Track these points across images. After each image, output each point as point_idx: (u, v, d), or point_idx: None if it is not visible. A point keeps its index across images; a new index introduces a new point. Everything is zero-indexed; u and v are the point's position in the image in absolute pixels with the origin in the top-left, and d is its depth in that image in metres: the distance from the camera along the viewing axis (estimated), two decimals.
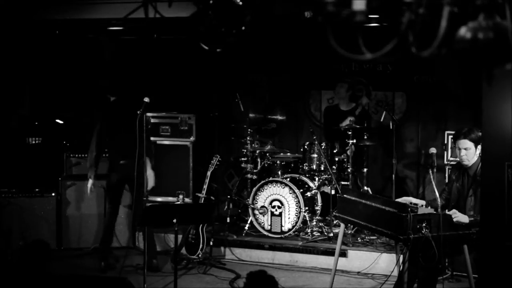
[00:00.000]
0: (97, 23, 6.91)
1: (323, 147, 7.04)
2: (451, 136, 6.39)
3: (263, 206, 6.91)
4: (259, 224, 6.95)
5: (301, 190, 6.86)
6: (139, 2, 3.89)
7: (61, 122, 7.71)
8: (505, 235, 3.73)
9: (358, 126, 6.96)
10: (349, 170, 7.00)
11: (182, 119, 7.62)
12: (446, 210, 4.72)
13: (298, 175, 7.17)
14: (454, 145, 5.27)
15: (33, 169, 7.22)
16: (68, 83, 7.96)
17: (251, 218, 7.00)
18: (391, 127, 7.00)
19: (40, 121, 7.63)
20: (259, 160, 7.37)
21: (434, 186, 4.70)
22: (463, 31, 1.88)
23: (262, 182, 6.95)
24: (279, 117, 7.88)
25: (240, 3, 2.65)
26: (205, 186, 6.67)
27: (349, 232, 6.66)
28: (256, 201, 6.95)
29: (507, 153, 3.71)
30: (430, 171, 5.08)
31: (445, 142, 6.91)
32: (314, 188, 7.07)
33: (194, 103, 8.12)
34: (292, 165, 7.46)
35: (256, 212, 6.95)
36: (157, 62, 8.14)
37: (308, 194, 6.98)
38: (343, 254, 6.31)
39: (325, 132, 7.74)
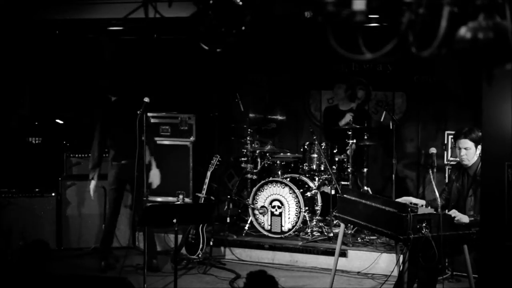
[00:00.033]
0: (97, 23, 6.90)
1: (323, 147, 7.04)
2: (451, 136, 6.39)
3: (263, 206, 6.91)
4: (259, 224, 6.95)
5: (301, 190, 6.86)
6: (139, 2, 3.89)
7: (61, 122, 7.71)
8: (505, 235, 3.73)
9: (358, 126, 6.96)
10: (349, 170, 7.00)
11: (182, 119, 7.62)
12: (446, 210, 4.73)
13: (298, 175, 7.17)
14: (454, 145, 5.28)
15: (33, 169, 7.22)
16: (68, 83, 7.96)
17: (251, 218, 7.00)
18: (391, 127, 7.00)
19: (40, 121, 7.63)
20: (259, 160, 7.37)
21: (434, 186, 4.70)
22: (463, 31, 1.88)
23: (262, 182, 6.95)
24: (279, 117, 7.88)
25: (240, 3, 2.65)
26: (205, 186, 6.67)
27: (349, 232, 6.66)
28: (256, 201, 6.95)
29: (507, 153, 3.71)
30: (430, 171, 5.08)
31: (445, 142, 6.91)
32: (314, 188, 7.07)
33: (194, 103, 8.13)
34: (292, 165, 7.46)
35: (256, 212, 6.95)
36: (157, 62, 8.14)
37: (308, 194, 6.98)
38: (343, 254, 6.31)
39: (325, 132, 7.74)
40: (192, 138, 7.60)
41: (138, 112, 5.76)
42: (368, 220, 4.83)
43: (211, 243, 6.60)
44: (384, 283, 5.47)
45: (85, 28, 7.44)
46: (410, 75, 7.76)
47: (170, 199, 7.30)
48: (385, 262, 6.22)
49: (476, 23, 1.87)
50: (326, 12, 1.95)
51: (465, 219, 4.55)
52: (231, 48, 2.80)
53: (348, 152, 7.00)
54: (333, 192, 6.75)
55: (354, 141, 6.98)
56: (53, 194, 7.06)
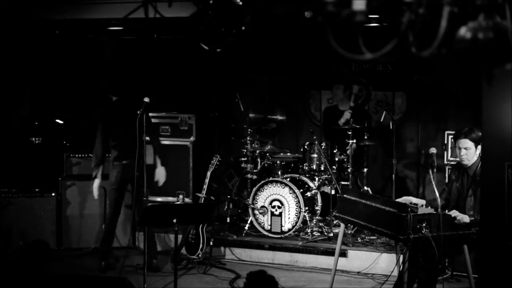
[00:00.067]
0: (97, 23, 6.90)
1: (323, 147, 7.04)
2: (451, 136, 6.39)
3: (263, 206, 6.91)
4: (259, 224, 6.95)
5: (301, 190, 6.86)
6: (139, 2, 3.89)
7: (61, 122, 7.71)
8: (505, 235, 3.73)
9: (358, 126, 6.96)
10: (349, 170, 7.00)
11: (182, 119, 7.62)
12: (446, 210, 4.73)
13: (298, 175, 7.17)
14: (454, 145, 5.28)
15: (33, 169, 7.23)
16: (68, 83, 7.96)
17: (251, 218, 7.00)
18: (391, 127, 7.00)
19: (40, 121, 7.64)
20: (259, 160, 7.37)
21: (434, 186, 4.70)
22: (463, 31, 1.88)
23: (262, 182, 6.95)
24: (279, 117, 7.88)
25: (240, 3, 2.65)
26: (205, 186, 6.67)
27: (349, 232, 6.66)
28: (256, 201, 6.95)
29: (507, 153, 3.71)
30: (430, 171, 5.08)
31: (445, 142, 6.91)
32: (314, 188, 7.07)
33: (194, 103, 8.13)
34: (292, 165, 7.46)
35: (256, 212, 6.95)
36: (157, 62, 8.14)
37: (308, 194, 6.98)
38: (343, 254, 6.31)
39: (325, 132, 7.74)
40: (192, 138, 7.60)
41: (138, 112, 5.76)
42: (368, 220, 4.83)
43: (211, 243, 6.60)
44: (384, 283, 5.47)
45: (85, 28, 7.44)
46: (410, 75, 7.76)
47: (170, 199, 7.31)
48: (385, 262, 6.22)
49: (476, 23, 1.87)
50: (326, 12, 1.95)
51: (466, 219, 4.56)
52: (231, 48, 2.80)
53: (348, 152, 7.00)
54: (333, 192, 6.75)
55: (354, 141, 6.98)
56: (53, 194, 7.06)
